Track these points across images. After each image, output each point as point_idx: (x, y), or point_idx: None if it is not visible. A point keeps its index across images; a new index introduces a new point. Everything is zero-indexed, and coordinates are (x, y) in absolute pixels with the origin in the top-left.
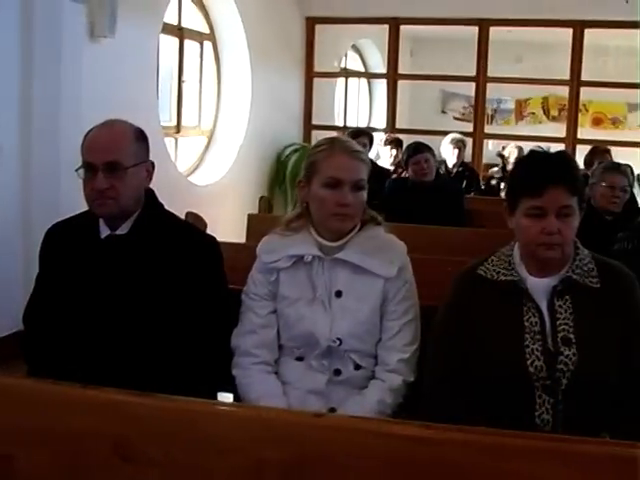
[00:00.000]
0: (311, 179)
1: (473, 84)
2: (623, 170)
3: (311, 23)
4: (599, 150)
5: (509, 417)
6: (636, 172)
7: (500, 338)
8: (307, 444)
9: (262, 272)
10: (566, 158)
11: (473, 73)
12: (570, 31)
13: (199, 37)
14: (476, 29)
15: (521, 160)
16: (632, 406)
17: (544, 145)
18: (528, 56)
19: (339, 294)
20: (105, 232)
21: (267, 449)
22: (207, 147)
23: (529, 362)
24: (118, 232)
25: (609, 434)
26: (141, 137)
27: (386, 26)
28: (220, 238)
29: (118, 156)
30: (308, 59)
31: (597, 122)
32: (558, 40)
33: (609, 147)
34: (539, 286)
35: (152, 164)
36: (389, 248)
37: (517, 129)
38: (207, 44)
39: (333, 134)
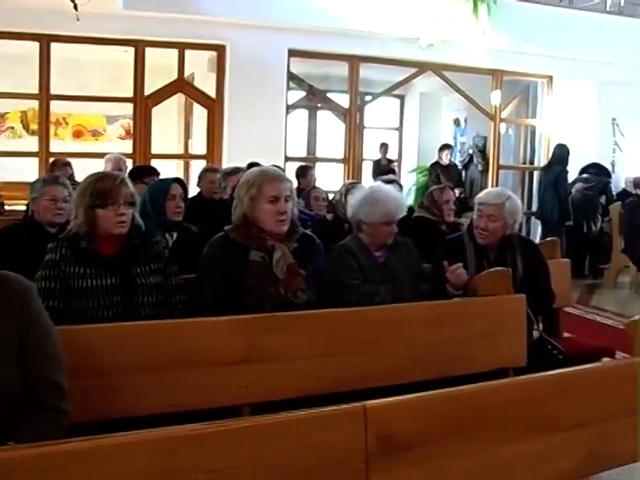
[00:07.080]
0: None
1: None
2: (62, 182)
3: None
4: (59, 163)
5: None
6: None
7: None
8: None
9: None
10: None
11: None
12: (37, 45)
13: None
14: None
15: None
16: (34, 412)
17: None
18: (1, 68)
19: None
20: None
21: None
22: None
23: None
24: None
25: (15, 441)
26: None
27: None
28: None
29: None
30: None
31: (78, 135)
32: (33, 53)
33: (69, 160)
34: None
35: None
36: None
37: None
38: None
39: None
